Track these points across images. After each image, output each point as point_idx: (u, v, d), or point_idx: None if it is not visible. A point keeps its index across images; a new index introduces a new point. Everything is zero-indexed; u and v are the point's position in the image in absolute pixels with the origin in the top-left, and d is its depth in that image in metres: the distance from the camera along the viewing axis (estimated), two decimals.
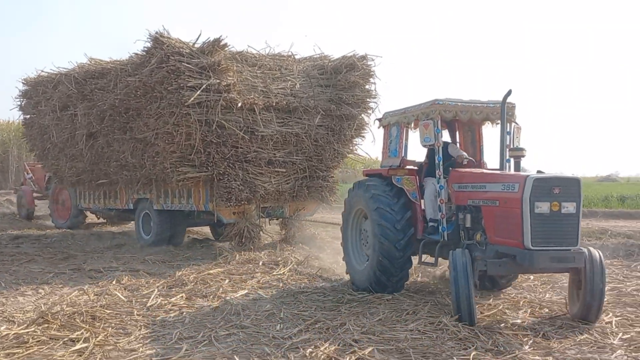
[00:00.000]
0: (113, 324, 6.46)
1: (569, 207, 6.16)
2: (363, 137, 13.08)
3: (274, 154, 11.66)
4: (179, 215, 12.84)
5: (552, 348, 5.53)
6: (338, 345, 5.62)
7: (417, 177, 8.04)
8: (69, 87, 13.22)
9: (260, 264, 10.04)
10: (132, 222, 14.75)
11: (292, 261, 10.15)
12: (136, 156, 12.07)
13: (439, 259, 7.64)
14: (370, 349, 5.45)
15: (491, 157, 8.40)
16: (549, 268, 6.39)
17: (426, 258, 7.91)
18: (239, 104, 10.79)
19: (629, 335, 5.86)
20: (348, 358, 5.28)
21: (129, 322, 6.59)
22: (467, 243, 7.15)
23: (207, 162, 11.04)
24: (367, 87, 12.73)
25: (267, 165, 11.66)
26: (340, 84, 12.25)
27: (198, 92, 10.29)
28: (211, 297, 7.78)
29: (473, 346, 5.57)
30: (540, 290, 8.06)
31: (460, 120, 8.01)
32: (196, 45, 10.85)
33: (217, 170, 11.05)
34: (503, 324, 6.34)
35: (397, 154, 8.21)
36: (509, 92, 7.09)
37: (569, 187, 6.21)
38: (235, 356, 5.36)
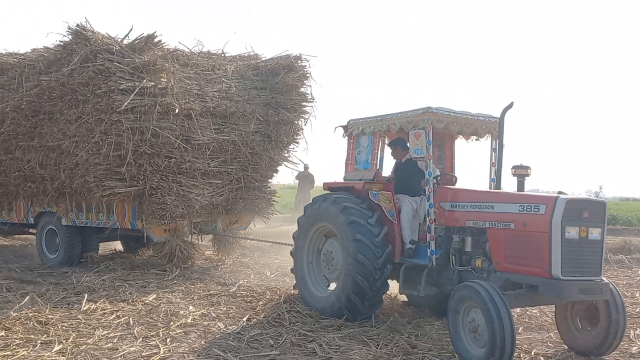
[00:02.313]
0: (68, 327, 6.56)
1: (594, 233, 5.70)
2: (297, 143, 12.21)
3: (208, 163, 10.53)
4: (89, 228, 11.28)
5: None
6: (296, 336, 6.45)
7: (393, 194, 7.38)
8: None
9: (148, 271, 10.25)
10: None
11: (181, 267, 10.35)
12: (46, 166, 10.38)
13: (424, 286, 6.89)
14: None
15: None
16: (574, 300, 5.84)
17: None
18: (177, 110, 9.54)
19: None
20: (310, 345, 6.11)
21: (80, 326, 6.67)
22: (459, 269, 6.58)
23: (137, 175, 9.70)
24: (302, 89, 11.89)
25: (202, 176, 10.50)
26: (278, 87, 11.31)
27: (132, 96, 8.93)
28: (130, 300, 7.96)
29: None
30: None
31: None
32: (125, 42, 9.46)
33: (149, 184, 9.74)
34: None
35: (370, 166, 7.46)
36: (511, 105, 6.53)
37: (596, 211, 5.75)
38: (213, 348, 5.96)
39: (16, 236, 14.70)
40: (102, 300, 7.77)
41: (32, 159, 10.49)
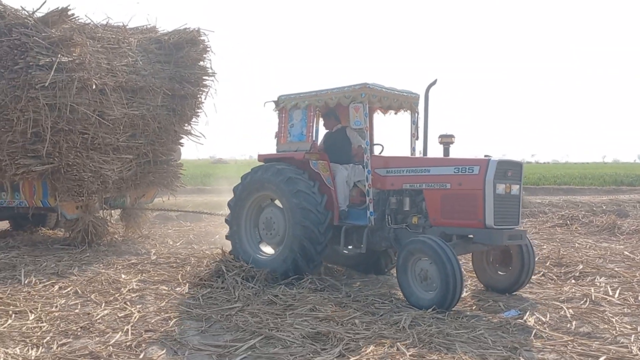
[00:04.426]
0: (25, 299, 6.56)
1: (514, 189, 6.81)
2: (198, 116, 12.43)
3: (117, 138, 10.48)
4: None
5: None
6: (244, 290, 6.98)
7: (329, 163, 8.06)
8: None
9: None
10: None
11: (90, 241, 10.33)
12: None
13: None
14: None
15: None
16: (505, 244, 6.82)
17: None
18: (94, 85, 9.41)
19: None
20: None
21: (34, 297, 6.70)
22: (394, 227, 7.45)
23: (53, 152, 9.47)
24: (201, 63, 12.07)
25: (113, 151, 10.45)
26: (182, 61, 11.42)
27: (52, 72, 8.72)
28: (59, 272, 8.05)
29: None
30: None
31: (343, 106, 7.99)
32: (37, 15, 9.10)
33: (65, 161, 9.57)
34: None
35: (306, 138, 8.07)
36: (434, 82, 7.46)
37: (517, 170, 6.86)
38: (180, 306, 6.41)
39: None
40: (33, 274, 7.71)
41: None
